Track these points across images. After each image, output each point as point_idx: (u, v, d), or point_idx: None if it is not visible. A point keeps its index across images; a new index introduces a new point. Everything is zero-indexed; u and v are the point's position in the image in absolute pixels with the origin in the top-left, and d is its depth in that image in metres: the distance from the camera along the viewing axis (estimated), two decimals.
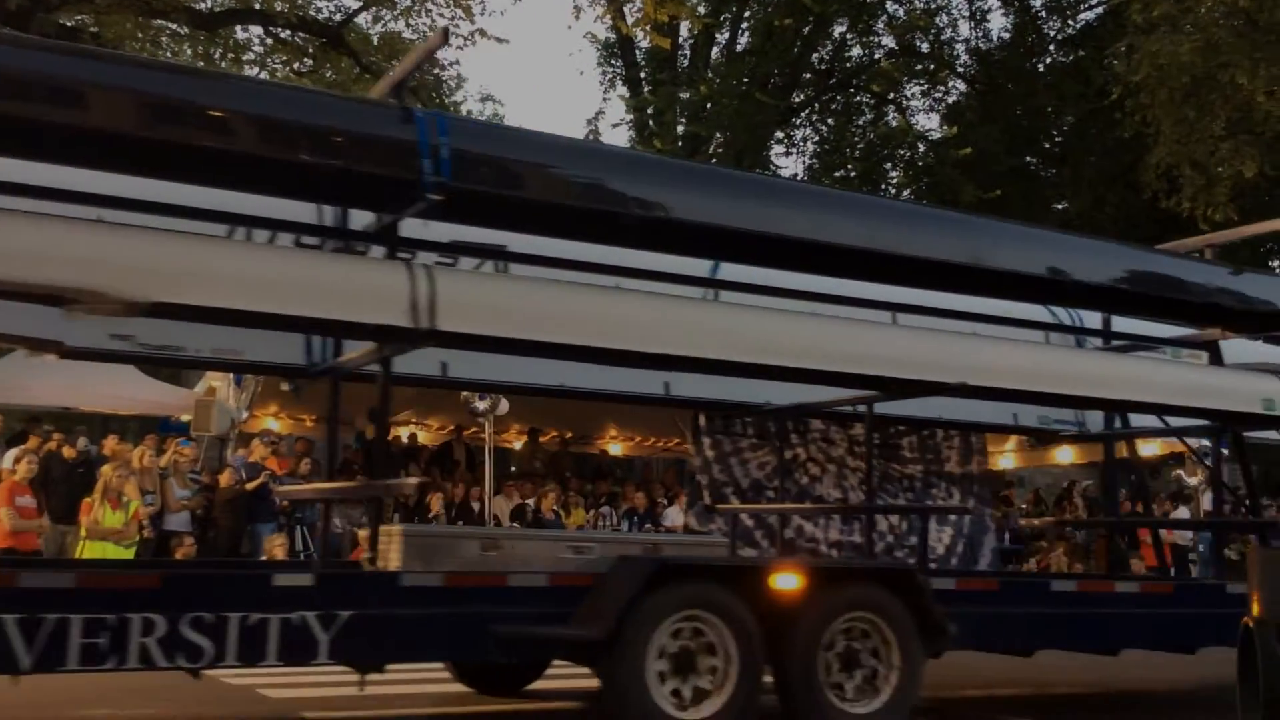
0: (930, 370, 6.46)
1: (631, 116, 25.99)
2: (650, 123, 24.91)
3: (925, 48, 26.28)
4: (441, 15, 21.88)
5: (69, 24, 19.41)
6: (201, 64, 20.04)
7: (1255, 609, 4.95)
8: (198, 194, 5.15)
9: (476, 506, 12.64)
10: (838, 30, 26.06)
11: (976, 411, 8.21)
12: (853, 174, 25.52)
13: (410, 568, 5.47)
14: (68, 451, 12.59)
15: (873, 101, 27.09)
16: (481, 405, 10.85)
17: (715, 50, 26.02)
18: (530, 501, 12.95)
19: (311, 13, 21.69)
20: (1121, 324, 8.61)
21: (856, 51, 26.85)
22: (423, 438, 14.69)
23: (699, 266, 6.95)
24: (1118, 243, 8.31)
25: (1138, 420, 8.77)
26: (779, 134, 26.52)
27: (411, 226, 5.74)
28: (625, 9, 18.48)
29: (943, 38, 26.48)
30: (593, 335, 5.46)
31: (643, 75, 26.20)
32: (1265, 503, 20.09)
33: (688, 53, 26.04)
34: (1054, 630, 7.14)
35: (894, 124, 26.29)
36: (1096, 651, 7.60)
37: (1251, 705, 4.95)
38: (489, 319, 5.14)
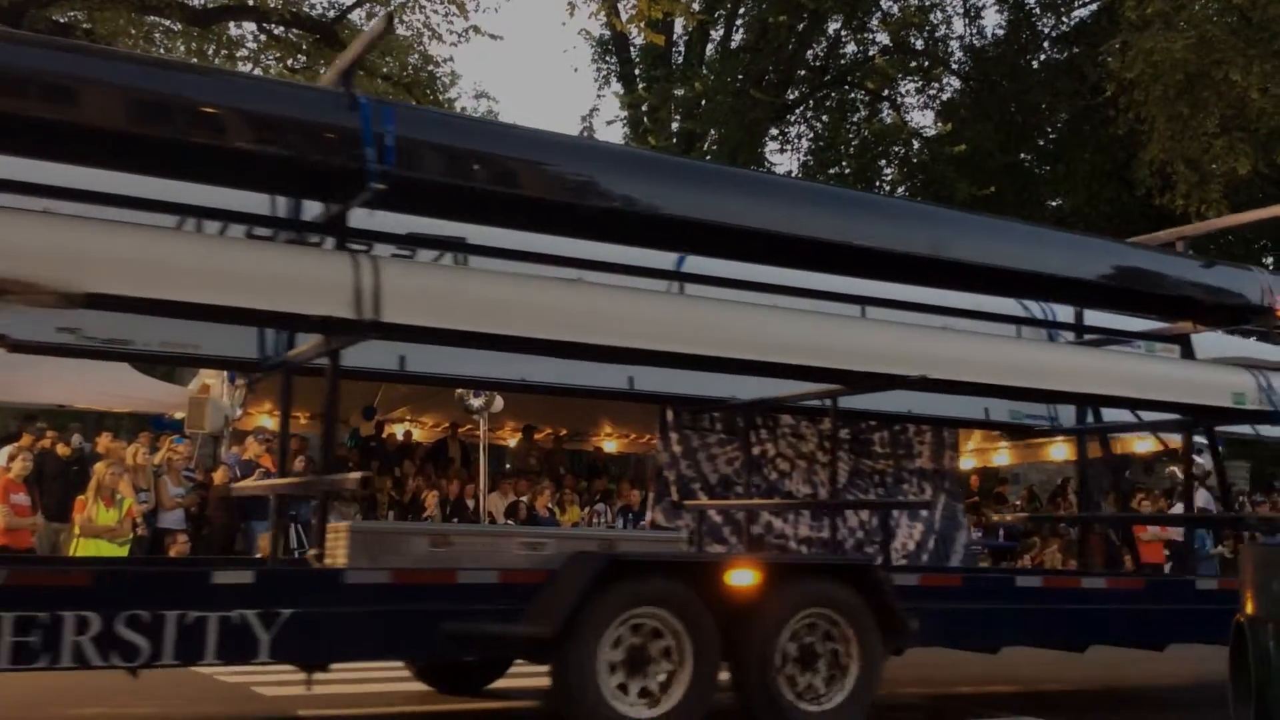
0: (890, 363, 6.41)
1: (626, 113, 25.95)
2: (645, 119, 24.88)
3: (920, 44, 26.20)
4: (435, 11, 21.95)
5: (62, 20, 19.45)
6: (194, 59, 20.08)
7: (1249, 607, 4.92)
8: (148, 185, 5.09)
9: (471, 504, 12.63)
10: (832, 27, 25.99)
11: (947, 406, 8.18)
12: (847, 171, 25.47)
13: (357, 564, 5.39)
14: (61, 449, 12.58)
15: (867, 98, 27.00)
16: (476, 402, 10.80)
17: (710, 47, 25.98)
18: (525, 499, 12.94)
19: (305, 9, 21.71)
20: (1095, 318, 8.60)
21: (851, 48, 26.78)
22: (417, 435, 14.69)
23: (665, 259, 6.92)
24: (1087, 235, 8.28)
25: (1118, 416, 8.75)
26: (773, 131, 26.46)
27: (372, 219, 5.69)
28: (619, 5, 18.43)
29: (937, 34, 26.42)
30: (546, 328, 5.40)
31: (637, 72, 26.15)
32: (1259, 499, 20.18)
33: (682, 49, 26.02)
34: (1019, 626, 7.09)
35: (888, 121, 26.20)
36: (1063, 648, 7.53)
37: (1243, 702, 4.94)
38: (436, 310, 5.06)
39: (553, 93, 70.31)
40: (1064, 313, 8.59)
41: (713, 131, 24.54)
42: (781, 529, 8.52)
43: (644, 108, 24.98)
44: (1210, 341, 9.18)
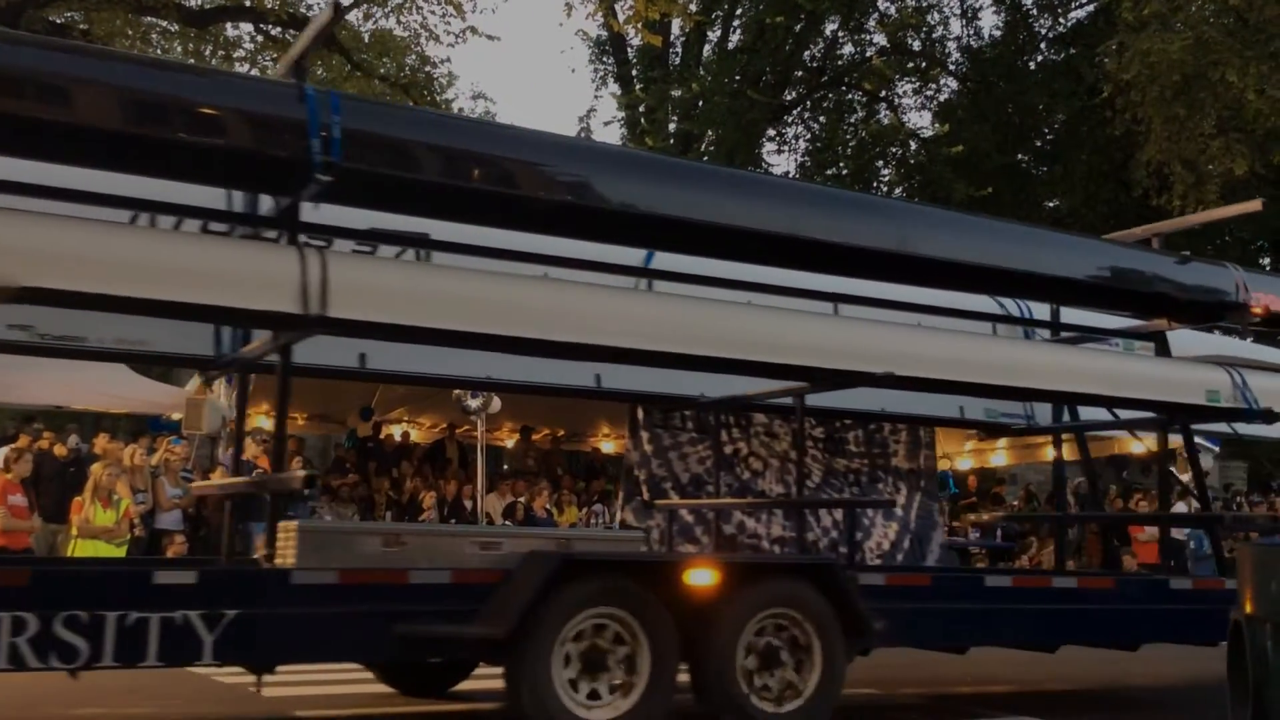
0: (857, 360, 6.34)
1: (623, 114, 25.95)
2: (642, 120, 24.87)
3: (917, 45, 26.17)
4: (432, 12, 21.98)
5: (59, 20, 19.50)
6: (192, 60, 20.13)
7: (1247, 606, 4.89)
8: (101, 180, 5.05)
9: (469, 505, 12.59)
10: (829, 28, 25.97)
11: (922, 405, 8.13)
12: (844, 172, 25.44)
13: (306, 564, 5.28)
14: (59, 450, 12.59)
15: (864, 99, 26.96)
16: (474, 403, 10.75)
17: (707, 48, 25.99)
18: (523, 499, 12.90)
19: (302, 10, 21.71)
20: (1072, 316, 8.55)
21: (848, 49, 26.76)
22: (415, 436, 14.65)
23: (636, 256, 6.88)
24: (1061, 231, 8.22)
25: (1096, 415, 8.69)
26: (771, 132, 26.45)
27: (334, 215, 5.66)
28: (616, 6, 18.45)
29: (934, 35, 26.37)
30: (501, 324, 5.33)
31: (634, 73, 26.16)
32: (1256, 500, 20.12)
33: (679, 50, 26.02)
34: (988, 626, 6.98)
35: (886, 122, 26.17)
36: (1033, 648, 7.47)
37: (1241, 702, 4.91)
38: (387, 305, 4.98)
39: (550, 94, 70.35)
40: (1041, 310, 8.53)
41: (710, 132, 24.54)
42: (755, 529, 8.44)
43: (641, 109, 24.98)
44: (1193, 340, 9.15)
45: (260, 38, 21.92)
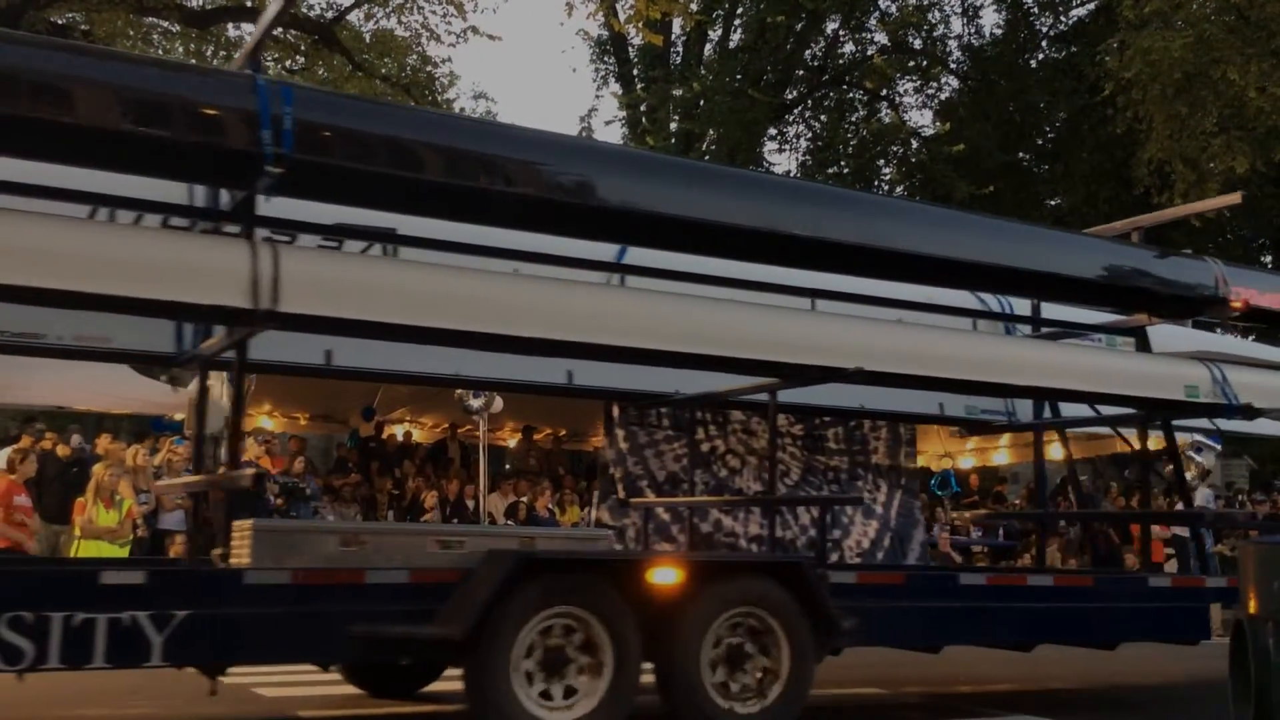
0: (827, 356, 6.28)
1: (624, 114, 25.92)
2: (643, 120, 24.83)
3: (918, 44, 26.12)
4: (434, 12, 21.98)
5: (60, 21, 19.57)
6: (193, 60, 20.18)
7: (1251, 606, 4.88)
8: (58, 173, 5.00)
9: (471, 504, 12.58)
10: (830, 27, 25.91)
11: (901, 401, 8.08)
12: (845, 170, 25.39)
13: (260, 564, 5.22)
14: (62, 450, 12.61)
15: (865, 98, 26.89)
16: (476, 403, 10.73)
17: (708, 47, 25.95)
18: (525, 499, 12.89)
19: (304, 10, 21.77)
20: (1053, 311, 8.50)
21: (849, 48, 26.71)
22: (417, 435, 14.66)
23: (607, 251, 6.84)
24: (1039, 226, 8.17)
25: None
26: (772, 131, 26.38)
27: (307, 210, 5.64)
28: (617, 6, 18.40)
29: (935, 34, 26.30)
30: (463, 319, 5.26)
31: (635, 72, 26.13)
32: (1259, 498, 20.02)
33: (680, 50, 25.99)
34: (962, 625, 6.92)
35: (887, 120, 26.08)
36: (1009, 647, 7.41)
37: (1243, 701, 4.90)
38: (341, 300, 4.91)
39: (551, 93, 70.25)
40: (1022, 306, 8.48)
41: (711, 132, 24.49)
42: (732, 527, 8.37)
43: (642, 108, 24.94)
44: (1185, 338, 9.11)
45: None
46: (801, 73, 26.39)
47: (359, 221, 6.00)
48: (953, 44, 26.81)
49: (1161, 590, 7.67)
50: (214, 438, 13.43)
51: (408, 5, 22.00)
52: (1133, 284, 7.53)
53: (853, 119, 26.75)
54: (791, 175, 24.90)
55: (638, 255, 6.88)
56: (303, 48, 21.89)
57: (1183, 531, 13.96)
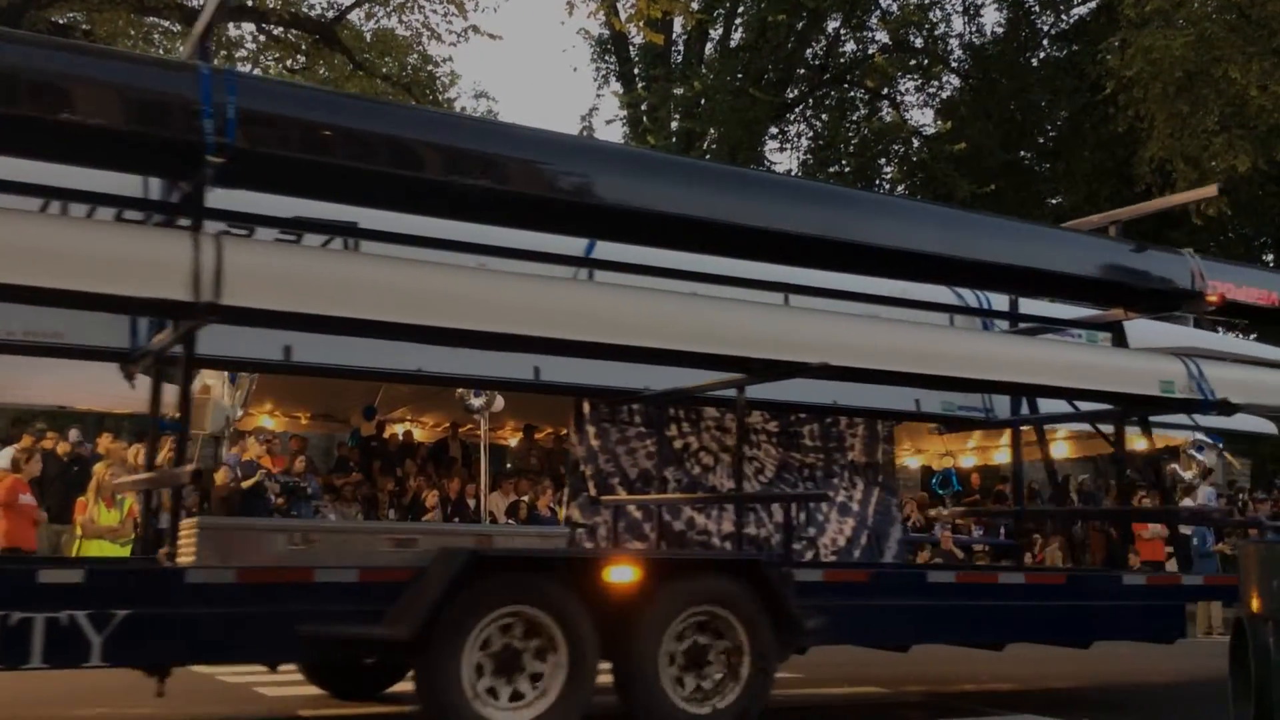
0: (792, 350, 6.17)
1: (625, 113, 25.91)
2: (644, 119, 24.83)
3: (919, 43, 26.08)
4: (434, 11, 22.00)
5: (61, 21, 19.64)
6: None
7: (1254, 604, 4.87)
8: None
9: (472, 503, 12.56)
10: (831, 25, 25.93)
11: (877, 398, 8.01)
12: (847, 169, 25.34)
13: (206, 563, 5.15)
14: (62, 448, 12.61)
15: (866, 97, 26.86)
16: (477, 402, 10.72)
17: (709, 46, 25.95)
18: (526, 498, 12.86)
19: (304, 9, 21.82)
20: (1031, 306, 8.44)
21: (850, 47, 26.70)
22: (418, 435, 14.65)
23: (575, 246, 6.79)
24: (1014, 220, 8.09)
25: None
26: (773, 130, 26.38)
27: (273, 203, 5.60)
28: (618, 5, 18.40)
29: (936, 32, 26.28)
30: (418, 313, 5.16)
31: (636, 71, 26.12)
32: (1260, 497, 19.90)
33: (681, 48, 25.98)
34: (930, 624, 6.83)
35: (888, 119, 26.03)
36: (979, 646, 7.35)
37: (1243, 699, 4.91)
38: (287, 293, 4.81)
39: (552, 92, 70.23)
40: (1000, 301, 8.41)
41: (712, 131, 24.48)
42: (704, 525, 8.28)
43: (643, 107, 24.94)
44: (1159, 331, 9.04)
45: (262, 38, 22.02)
46: (802, 71, 26.37)
47: (323, 215, 5.92)
48: (954, 43, 26.87)
49: (1135, 588, 7.59)
50: (214, 437, 13.46)
51: (408, 4, 22.02)
52: (1108, 278, 7.44)
53: (854, 118, 26.72)
54: (793, 174, 24.87)
55: (606, 250, 6.82)
56: (304, 47, 21.91)
57: (1186, 530, 13.90)
